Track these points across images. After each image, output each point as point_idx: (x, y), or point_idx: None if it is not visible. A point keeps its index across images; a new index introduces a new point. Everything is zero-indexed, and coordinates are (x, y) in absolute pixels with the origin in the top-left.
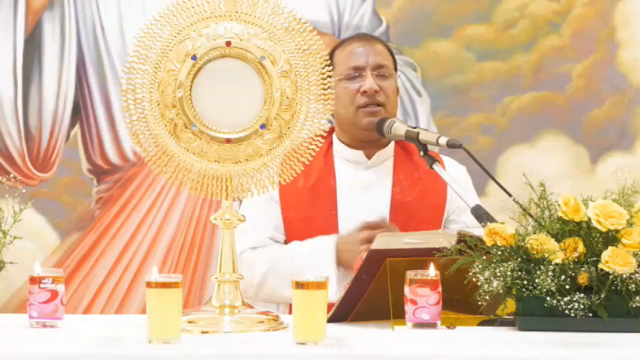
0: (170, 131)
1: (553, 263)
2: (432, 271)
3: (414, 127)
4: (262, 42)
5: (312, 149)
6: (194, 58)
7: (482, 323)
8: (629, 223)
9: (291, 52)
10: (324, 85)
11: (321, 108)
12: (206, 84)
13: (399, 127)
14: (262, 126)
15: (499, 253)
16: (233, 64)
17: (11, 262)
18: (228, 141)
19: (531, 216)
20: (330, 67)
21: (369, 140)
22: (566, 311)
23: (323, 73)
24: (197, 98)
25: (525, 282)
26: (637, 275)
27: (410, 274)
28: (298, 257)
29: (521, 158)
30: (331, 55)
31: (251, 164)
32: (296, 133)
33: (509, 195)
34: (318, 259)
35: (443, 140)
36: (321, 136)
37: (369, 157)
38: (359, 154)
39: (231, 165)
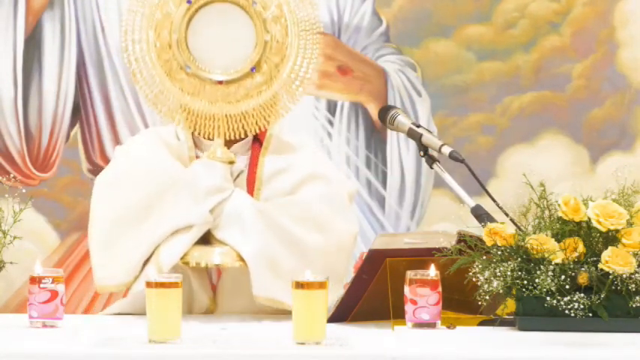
0: (166, 72)
1: (553, 263)
2: (432, 271)
3: (418, 126)
4: None
5: (300, 92)
6: (189, 2)
7: (482, 323)
8: (629, 223)
9: None
10: (313, 29)
11: (309, 53)
12: (200, 27)
13: (403, 122)
14: (253, 68)
15: (499, 253)
16: (226, 9)
17: (11, 262)
18: (220, 82)
19: (520, 228)
20: (318, 12)
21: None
22: (566, 311)
23: (312, 18)
24: (192, 41)
25: (525, 282)
26: (637, 275)
27: (410, 274)
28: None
29: (521, 158)
30: None
31: (243, 105)
32: (285, 76)
33: (502, 210)
34: None
35: (446, 150)
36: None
37: (228, 147)
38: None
39: (223, 105)
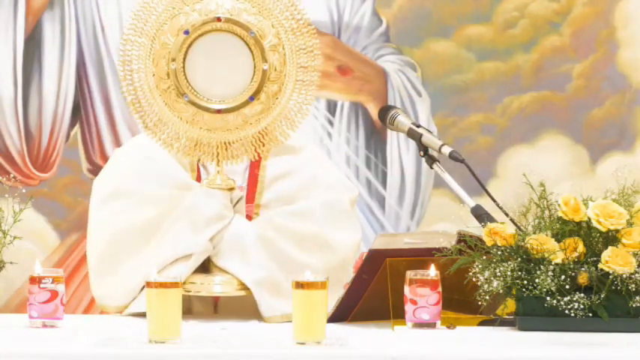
0: (165, 101)
1: (553, 263)
2: (432, 271)
3: (418, 126)
4: (252, 17)
5: (299, 119)
6: (187, 32)
7: (482, 323)
8: (629, 223)
9: (280, 26)
10: (312, 57)
11: (308, 80)
12: (198, 57)
13: (403, 122)
14: (251, 97)
15: (499, 253)
16: (224, 39)
17: (11, 262)
18: (218, 111)
19: (520, 228)
20: (317, 41)
21: None
22: (566, 311)
23: (310, 46)
24: (190, 70)
25: (525, 282)
26: (637, 275)
27: (410, 274)
28: None
29: (521, 158)
30: None
31: (241, 132)
32: (284, 103)
33: (502, 210)
34: None
35: (446, 150)
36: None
37: None
38: None
39: (221, 133)
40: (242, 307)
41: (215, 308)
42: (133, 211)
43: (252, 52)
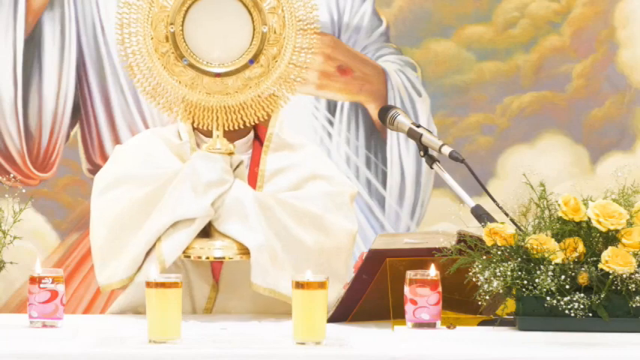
0: (163, 64)
1: (553, 263)
2: (432, 271)
3: (418, 126)
4: None
5: (299, 82)
6: None
7: (483, 323)
8: (629, 223)
9: None
10: (310, 19)
11: (307, 42)
12: (197, 20)
13: (403, 122)
14: (251, 61)
15: (499, 253)
16: (222, 1)
17: (11, 262)
18: (218, 75)
19: (520, 228)
20: (316, 2)
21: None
22: (566, 311)
23: (309, 7)
24: (189, 33)
25: (525, 282)
26: (637, 275)
27: (410, 274)
28: None
29: (521, 158)
30: None
31: (241, 96)
32: (283, 66)
33: (502, 210)
34: None
35: (446, 150)
36: (307, 69)
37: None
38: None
39: (221, 97)
40: (244, 281)
41: (217, 284)
42: (134, 189)
43: (251, 14)
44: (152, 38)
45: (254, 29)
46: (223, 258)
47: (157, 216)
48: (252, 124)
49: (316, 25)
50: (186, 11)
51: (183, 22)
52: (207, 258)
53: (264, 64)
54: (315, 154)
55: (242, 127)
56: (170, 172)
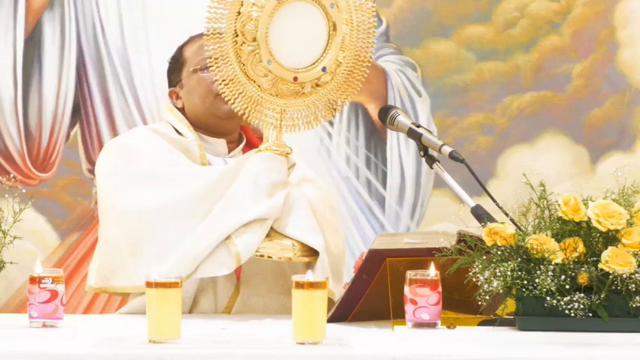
0: (244, 62)
1: (553, 263)
2: (432, 271)
3: (418, 126)
4: None
5: (358, 90)
6: None
7: (483, 323)
8: (629, 223)
9: (353, 2)
10: (369, 33)
11: (363, 56)
12: (282, 23)
13: (403, 122)
14: (324, 68)
15: (499, 253)
16: (306, 8)
17: (11, 262)
18: (295, 79)
19: (520, 228)
20: (376, 19)
21: (226, 132)
22: (566, 311)
23: (370, 22)
24: (272, 36)
25: (525, 282)
26: (637, 275)
27: (410, 274)
28: None
29: (521, 158)
30: (180, 51)
31: (303, 100)
32: (344, 74)
33: (502, 210)
34: None
35: (446, 150)
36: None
37: (229, 150)
38: (222, 143)
39: (286, 98)
40: (262, 281)
41: (237, 283)
42: (172, 190)
43: (328, 23)
44: (237, 35)
45: (329, 37)
46: (290, 258)
47: (224, 215)
48: (317, 125)
49: (374, 30)
50: (273, 14)
51: (269, 24)
52: (280, 258)
53: (332, 72)
54: (300, 160)
55: (298, 131)
56: (217, 170)
